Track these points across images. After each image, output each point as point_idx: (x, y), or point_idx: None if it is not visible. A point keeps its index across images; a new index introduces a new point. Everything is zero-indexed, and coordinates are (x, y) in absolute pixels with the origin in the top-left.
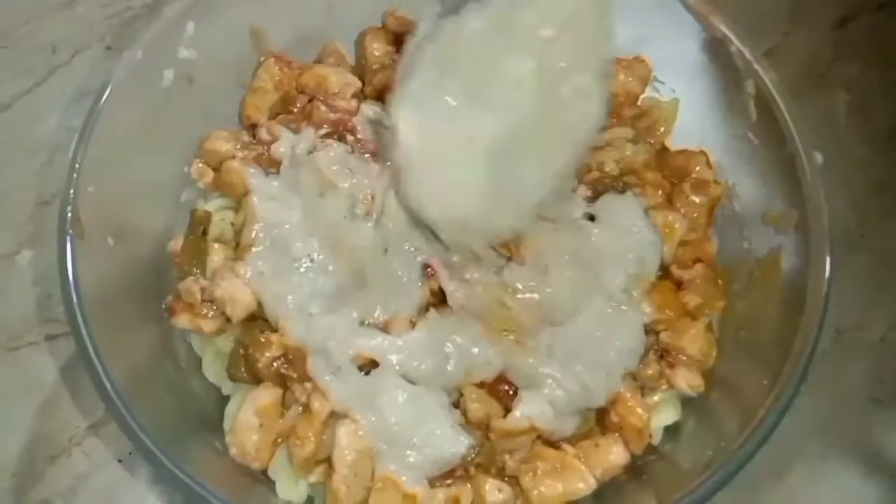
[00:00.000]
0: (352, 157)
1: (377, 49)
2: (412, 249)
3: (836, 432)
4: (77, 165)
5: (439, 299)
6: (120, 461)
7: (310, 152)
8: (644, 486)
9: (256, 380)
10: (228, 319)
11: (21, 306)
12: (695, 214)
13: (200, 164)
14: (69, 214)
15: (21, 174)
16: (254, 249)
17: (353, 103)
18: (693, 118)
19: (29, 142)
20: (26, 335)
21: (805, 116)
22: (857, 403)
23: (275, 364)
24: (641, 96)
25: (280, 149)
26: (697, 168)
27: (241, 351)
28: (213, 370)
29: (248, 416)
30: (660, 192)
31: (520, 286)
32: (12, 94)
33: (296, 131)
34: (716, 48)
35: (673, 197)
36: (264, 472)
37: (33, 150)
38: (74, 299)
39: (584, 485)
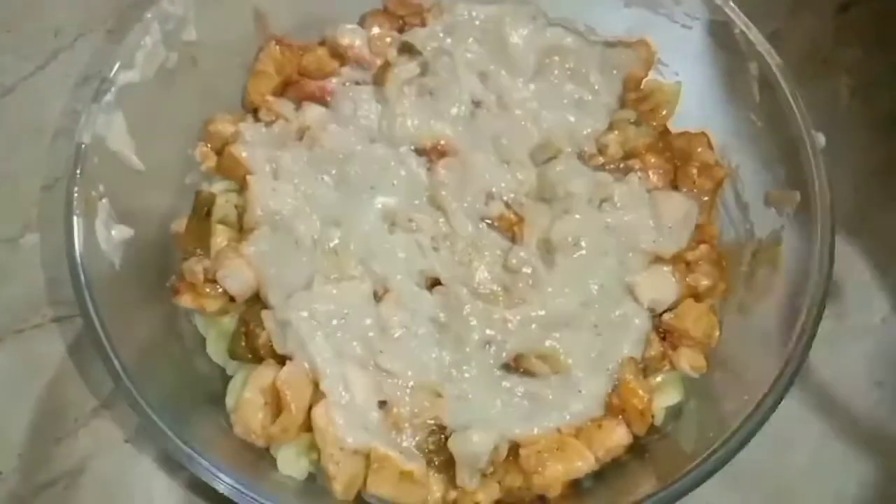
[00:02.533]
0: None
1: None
2: (414, 226)
3: (837, 414)
4: (83, 147)
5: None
6: (126, 441)
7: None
8: (646, 465)
9: (257, 357)
10: (232, 299)
11: (26, 289)
12: (705, 199)
13: (204, 147)
14: (76, 195)
15: (25, 158)
16: (256, 230)
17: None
18: (696, 100)
19: (32, 125)
20: (31, 318)
21: (807, 100)
22: (859, 386)
23: None
24: (644, 79)
25: (277, 130)
26: (699, 150)
27: (242, 328)
28: (217, 350)
29: (253, 395)
30: (662, 172)
31: (524, 270)
32: (15, 78)
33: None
34: (719, 31)
35: (678, 180)
36: (268, 448)
37: (37, 133)
38: (82, 278)
39: (584, 463)
